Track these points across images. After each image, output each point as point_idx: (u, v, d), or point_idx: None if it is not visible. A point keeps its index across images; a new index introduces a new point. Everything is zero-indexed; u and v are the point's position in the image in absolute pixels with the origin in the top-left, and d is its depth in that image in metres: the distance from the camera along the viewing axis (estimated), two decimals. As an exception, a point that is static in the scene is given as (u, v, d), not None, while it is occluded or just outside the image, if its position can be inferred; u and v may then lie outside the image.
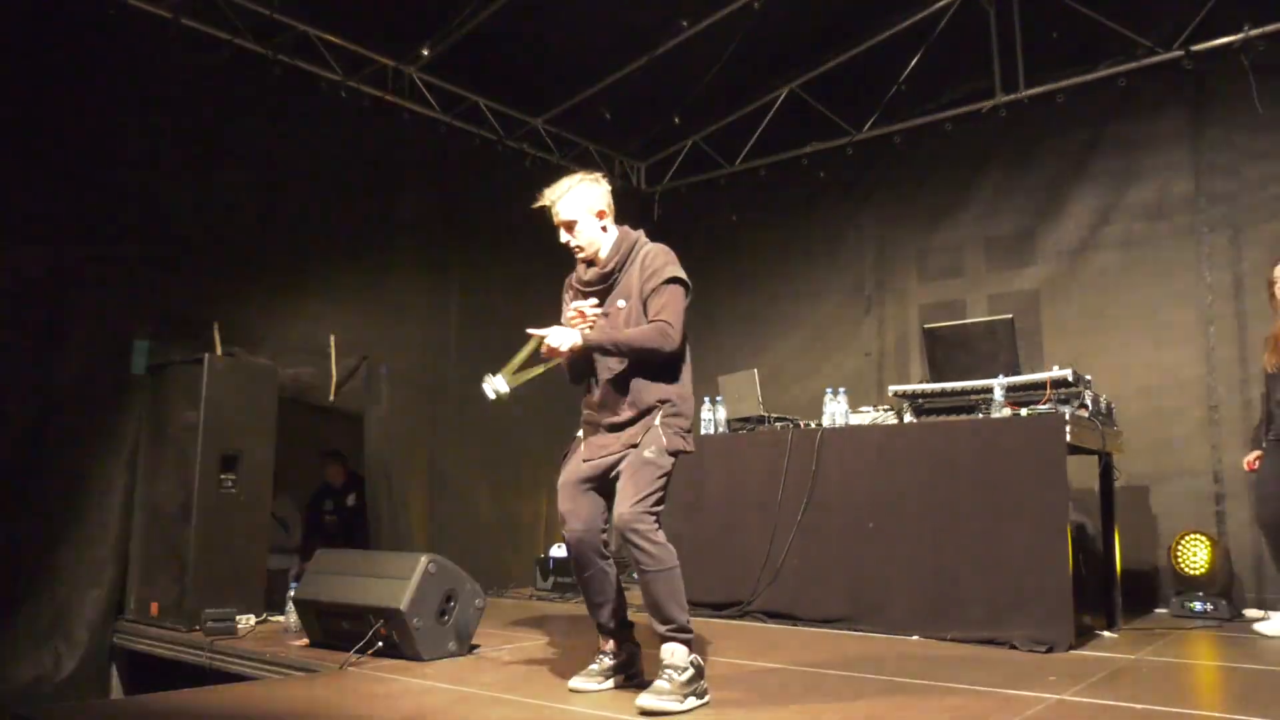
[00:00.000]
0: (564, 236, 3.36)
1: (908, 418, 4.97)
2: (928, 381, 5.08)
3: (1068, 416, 4.36)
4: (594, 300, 3.34)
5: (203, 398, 4.95)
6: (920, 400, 4.98)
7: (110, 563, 5.12)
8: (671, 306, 3.22)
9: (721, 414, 5.70)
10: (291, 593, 4.54)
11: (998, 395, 4.61)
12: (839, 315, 7.53)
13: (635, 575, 3.15)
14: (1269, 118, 5.75)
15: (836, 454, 5.02)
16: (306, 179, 6.26)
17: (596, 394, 3.34)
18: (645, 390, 3.25)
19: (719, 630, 4.75)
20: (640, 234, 3.42)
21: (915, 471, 4.74)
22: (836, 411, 5.21)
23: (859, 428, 5.10)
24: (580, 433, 3.43)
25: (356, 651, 3.93)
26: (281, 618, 4.79)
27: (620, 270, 3.33)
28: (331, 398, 6.17)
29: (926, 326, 5.29)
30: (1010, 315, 5.08)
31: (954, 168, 7.07)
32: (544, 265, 7.71)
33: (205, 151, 5.76)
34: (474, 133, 7.34)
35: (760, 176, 8.04)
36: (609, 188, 3.42)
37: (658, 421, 3.21)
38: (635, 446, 3.20)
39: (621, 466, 3.21)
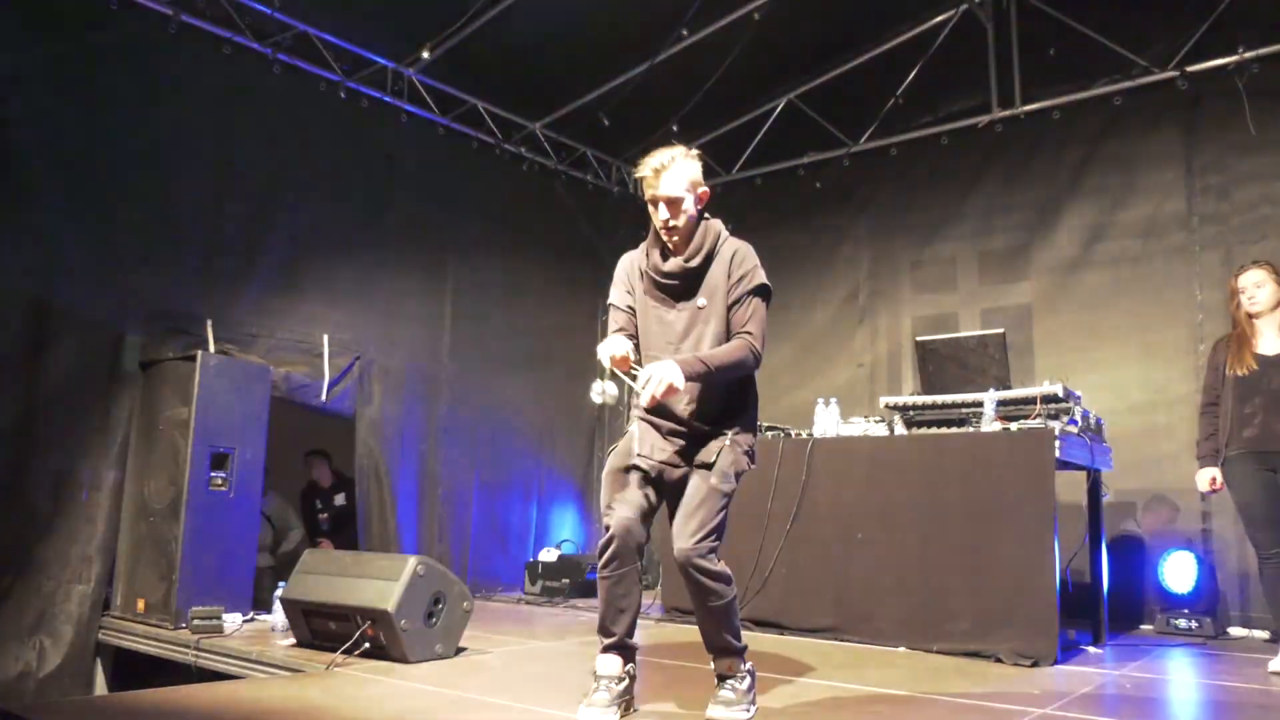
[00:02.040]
0: (663, 214, 3.02)
1: (898, 429, 4.99)
2: (919, 394, 5.10)
3: (1057, 432, 4.38)
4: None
5: (194, 395, 4.95)
6: (911, 412, 5.00)
7: (97, 558, 5.10)
8: (757, 318, 3.03)
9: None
10: (279, 592, 4.53)
11: (988, 409, 4.63)
12: (832, 326, 7.55)
13: (695, 605, 3.02)
14: (1261, 139, 5.80)
15: (827, 464, 5.03)
16: (303, 178, 6.26)
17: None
18: (714, 402, 3.04)
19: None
20: (723, 227, 3.17)
21: (905, 483, 4.75)
22: (828, 422, 5.22)
23: (850, 438, 5.11)
24: (633, 428, 3.14)
25: (343, 652, 3.93)
26: (268, 617, 4.78)
27: (706, 266, 3.07)
28: (324, 397, 6.17)
29: (919, 339, 5.31)
30: (1002, 330, 5.10)
31: (949, 181, 7.10)
32: (539, 268, 7.84)
33: (202, 148, 5.76)
34: (472, 135, 7.36)
35: (756, 185, 8.07)
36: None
37: (728, 441, 3.02)
38: (704, 466, 2.99)
39: (687, 486, 3.01)
